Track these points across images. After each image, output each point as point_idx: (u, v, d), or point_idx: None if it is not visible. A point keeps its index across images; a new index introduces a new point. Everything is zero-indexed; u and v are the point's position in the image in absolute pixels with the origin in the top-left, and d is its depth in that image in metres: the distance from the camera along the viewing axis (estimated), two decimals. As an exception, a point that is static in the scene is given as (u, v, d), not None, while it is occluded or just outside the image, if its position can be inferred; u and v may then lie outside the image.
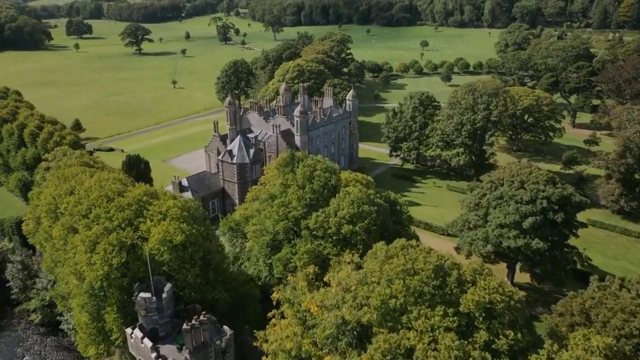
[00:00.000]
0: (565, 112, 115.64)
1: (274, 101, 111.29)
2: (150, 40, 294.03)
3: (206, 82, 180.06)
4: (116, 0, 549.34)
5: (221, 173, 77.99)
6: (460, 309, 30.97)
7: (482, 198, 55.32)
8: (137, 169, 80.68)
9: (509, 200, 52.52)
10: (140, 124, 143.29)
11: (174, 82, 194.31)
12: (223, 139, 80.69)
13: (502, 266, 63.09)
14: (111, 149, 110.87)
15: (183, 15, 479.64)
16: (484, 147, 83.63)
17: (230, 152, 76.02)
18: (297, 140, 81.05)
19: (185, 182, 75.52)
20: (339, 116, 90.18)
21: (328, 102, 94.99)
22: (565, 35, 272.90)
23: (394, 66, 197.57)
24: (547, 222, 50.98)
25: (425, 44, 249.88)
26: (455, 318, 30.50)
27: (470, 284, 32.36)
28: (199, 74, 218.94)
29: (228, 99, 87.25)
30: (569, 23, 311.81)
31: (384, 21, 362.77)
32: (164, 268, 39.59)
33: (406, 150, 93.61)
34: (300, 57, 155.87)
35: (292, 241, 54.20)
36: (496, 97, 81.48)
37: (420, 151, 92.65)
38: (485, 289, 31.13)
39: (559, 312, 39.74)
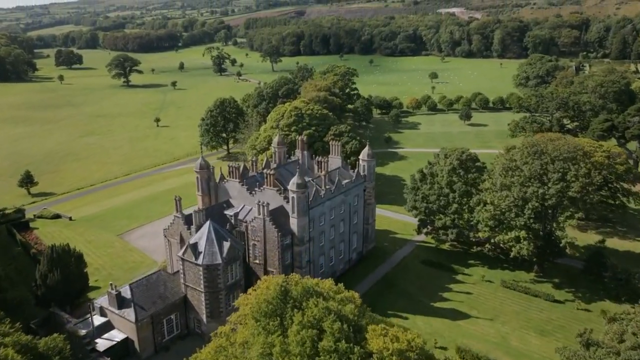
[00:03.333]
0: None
1: (265, 153, 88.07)
2: (140, 72, 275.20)
3: (194, 119, 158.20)
4: (112, 30, 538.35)
5: (182, 275, 53.64)
6: None
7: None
8: (64, 265, 56.49)
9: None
10: (108, 174, 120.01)
11: (157, 120, 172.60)
12: (188, 221, 56.78)
13: None
14: (57, 216, 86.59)
15: (180, 44, 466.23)
16: (557, 233, 59.27)
17: (194, 246, 51.82)
18: (294, 223, 57.14)
19: (126, 292, 51.03)
20: (350, 183, 66.44)
21: (335, 161, 71.25)
22: (583, 66, 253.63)
23: (404, 102, 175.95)
24: None
25: (434, 75, 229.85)
26: None
27: None
28: (188, 109, 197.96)
29: (200, 161, 64.00)
30: (584, 53, 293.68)
31: (387, 51, 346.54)
32: None
33: (441, 227, 69.43)
34: (299, 94, 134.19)
35: None
36: (574, 162, 57.98)
37: (461, 227, 68.45)
38: None
39: None
